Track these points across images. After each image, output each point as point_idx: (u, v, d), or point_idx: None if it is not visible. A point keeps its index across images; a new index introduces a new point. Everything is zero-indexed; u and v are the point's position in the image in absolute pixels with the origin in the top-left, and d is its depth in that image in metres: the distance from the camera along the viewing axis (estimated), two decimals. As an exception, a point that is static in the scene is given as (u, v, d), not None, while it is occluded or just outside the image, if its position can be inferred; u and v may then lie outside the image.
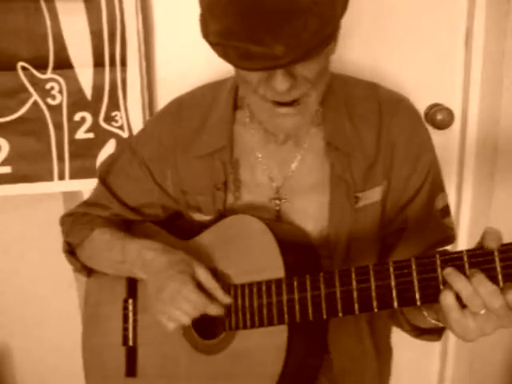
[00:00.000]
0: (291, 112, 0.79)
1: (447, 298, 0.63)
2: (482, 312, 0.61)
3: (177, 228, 1.02)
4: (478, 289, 0.60)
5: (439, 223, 0.92)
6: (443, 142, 1.35)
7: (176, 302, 0.82)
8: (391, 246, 0.92)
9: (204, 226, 0.94)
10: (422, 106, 1.33)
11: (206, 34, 0.73)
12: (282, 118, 0.80)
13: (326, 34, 0.69)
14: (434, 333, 0.85)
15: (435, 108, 1.33)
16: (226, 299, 0.84)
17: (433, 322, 0.74)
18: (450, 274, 0.62)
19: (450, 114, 1.32)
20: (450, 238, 0.93)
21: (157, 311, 0.85)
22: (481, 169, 1.39)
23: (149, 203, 1.01)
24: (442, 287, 0.64)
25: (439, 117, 1.31)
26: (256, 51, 0.67)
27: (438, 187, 0.93)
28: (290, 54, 0.67)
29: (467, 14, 1.29)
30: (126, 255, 0.92)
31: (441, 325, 0.73)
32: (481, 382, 1.61)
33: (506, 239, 0.62)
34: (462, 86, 1.34)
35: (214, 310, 0.83)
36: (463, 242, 1.43)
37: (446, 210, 0.93)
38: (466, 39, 1.30)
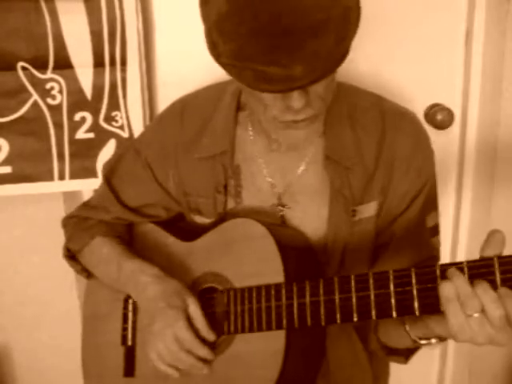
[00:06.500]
0: (304, 123, 0.76)
1: (446, 289, 0.62)
2: (476, 315, 0.60)
3: (179, 230, 1.01)
4: (481, 295, 0.60)
5: (426, 241, 0.91)
6: (443, 142, 1.35)
7: (166, 341, 0.82)
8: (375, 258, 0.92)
9: (205, 229, 0.93)
10: (421, 106, 1.33)
11: (216, 54, 0.69)
12: (294, 130, 0.78)
13: (342, 52, 0.66)
14: (402, 354, 0.84)
15: (435, 108, 1.33)
16: (210, 337, 0.84)
17: (412, 337, 0.73)
18: (452, 272, 0.63)
19: (449, 114, 1.31)
20: (433, 258, 0.92)
21: (147, 341, 0.86)
22: (481, 169, 1.38)
23: (151, 204, 1.01)
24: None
25: (439, 117, 1.31)
26: (274, 73, 0.64)
27: (431, 205, 0.92)
28: (309, 75, 0.64)
29: (467, 14, 1.29)
30: (121, 273, 0.92)
31: (423, 342, 0.73)
32: (480, 382, 1.60)
33: (507, 240, 0.62)
34: (462, 86, 1.34)
35: (201, 352, 0.83)
36: (463, 242, 1.43)
37: (435, 229, 0.92)
38: (466, 39, 1.30)
